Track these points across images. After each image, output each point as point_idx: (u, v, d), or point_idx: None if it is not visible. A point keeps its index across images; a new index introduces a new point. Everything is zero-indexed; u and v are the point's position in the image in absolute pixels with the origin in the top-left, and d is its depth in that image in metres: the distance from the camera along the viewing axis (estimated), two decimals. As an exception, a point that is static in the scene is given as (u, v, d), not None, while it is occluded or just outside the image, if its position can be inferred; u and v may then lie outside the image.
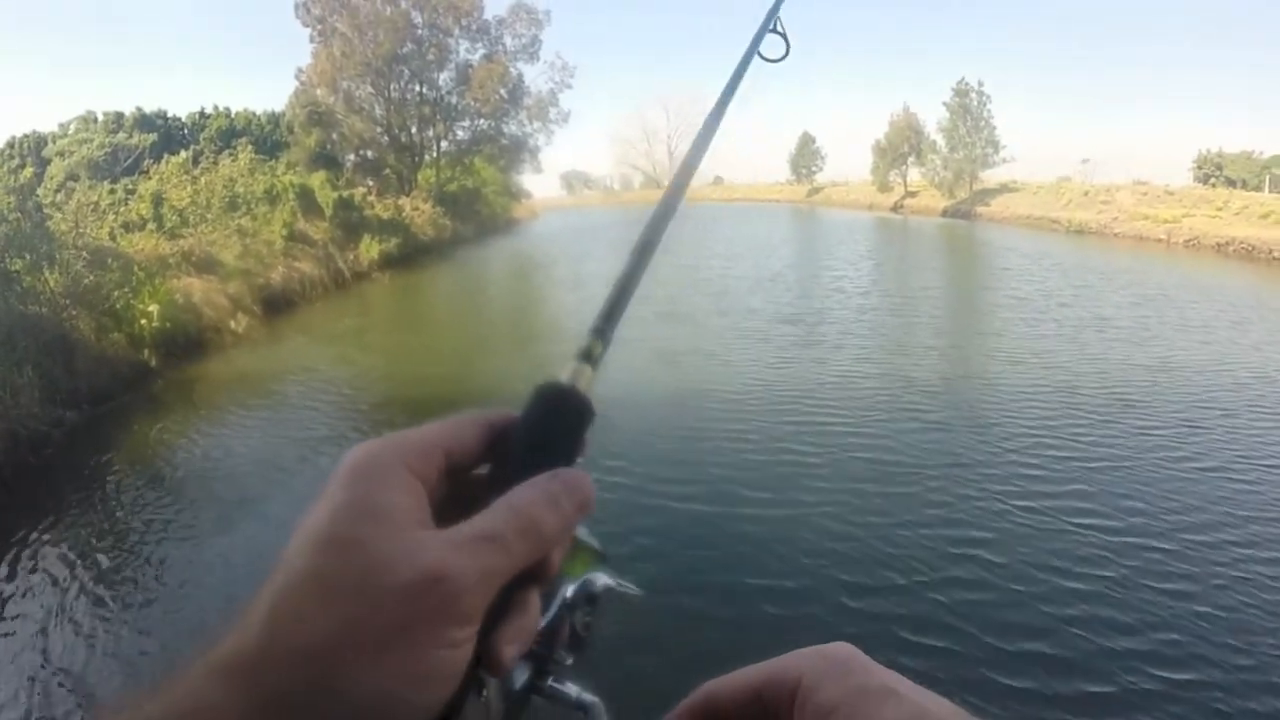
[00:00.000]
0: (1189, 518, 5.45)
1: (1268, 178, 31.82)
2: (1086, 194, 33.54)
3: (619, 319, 0.53)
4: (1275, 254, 20.61)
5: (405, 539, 0.38)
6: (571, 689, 0.48)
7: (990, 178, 42.65)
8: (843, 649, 0.46)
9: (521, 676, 0.46)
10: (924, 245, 28.62)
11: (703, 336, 12.36)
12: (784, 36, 0.99)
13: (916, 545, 5.15)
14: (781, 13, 1.00)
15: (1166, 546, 5.04)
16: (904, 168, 51.38)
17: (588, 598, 0.50)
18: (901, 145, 49.92)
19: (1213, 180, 36.28)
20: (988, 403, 8.40)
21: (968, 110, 42.10)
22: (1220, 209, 25.60)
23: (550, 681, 0.48)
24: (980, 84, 42.02)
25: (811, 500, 5.95)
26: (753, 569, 4.98)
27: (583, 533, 0.50)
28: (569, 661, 0.49)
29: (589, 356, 0.49)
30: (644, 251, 0.59)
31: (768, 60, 0.98)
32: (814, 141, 71.69)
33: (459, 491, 0.43)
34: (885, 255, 25.13)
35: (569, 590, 0.49)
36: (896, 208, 49.02)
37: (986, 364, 10.19)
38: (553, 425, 0.46)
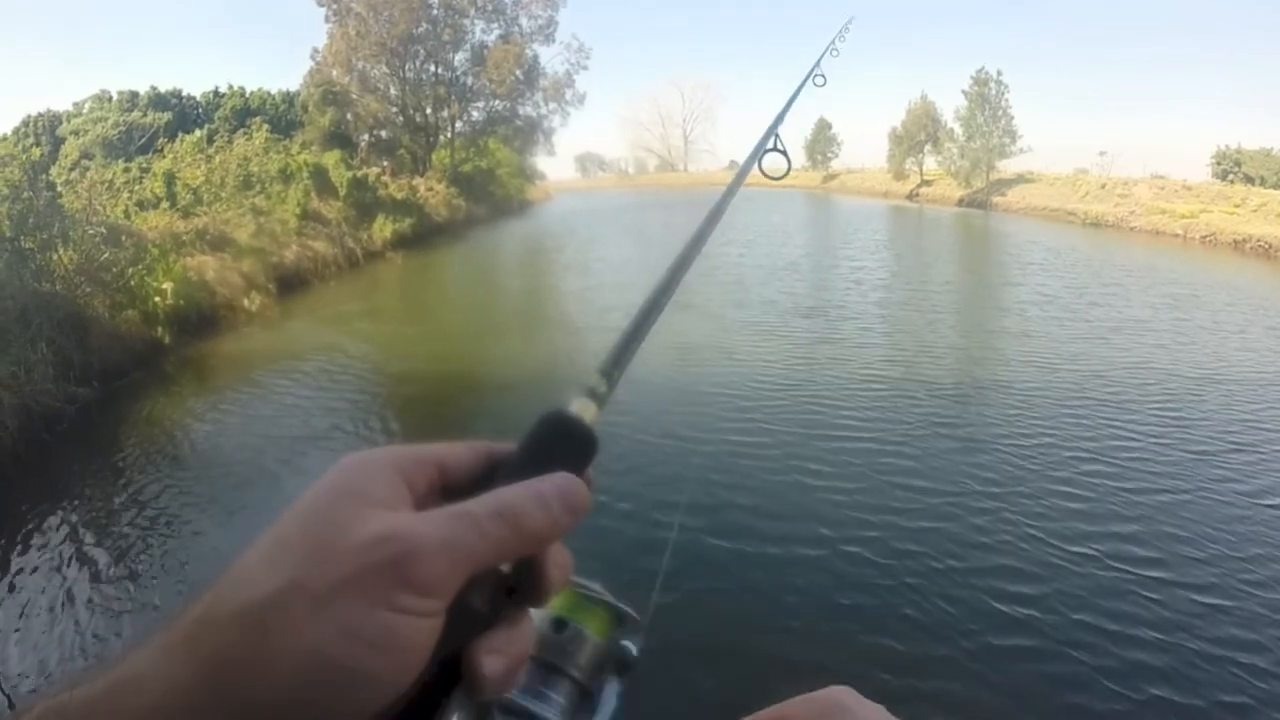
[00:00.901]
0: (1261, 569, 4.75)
1: (1287, 175, 31.51)
2: (1104, 187, 33.23)
3: (627, 363, 0.52)
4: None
5: (370, 510, 0.37)
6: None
7: (1007, 168, 42.25)
8: (836, 695, 0.46)
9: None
10: (943, 236, 28.31)
11: (716, 331, 11.75)
12: (784, 153, 1.14)
13: (940, 580, 4.69)
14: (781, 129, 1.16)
15: (1233, 604, 4.41)
16: (920, 156, 50.98)
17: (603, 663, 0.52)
18: (918, 133, 49.48)
19: (1231, 176, 35.82)
20: (1020, 414, 7.72)
21: (986, 99, 41.66)
22: (1238, 206, 25.30)
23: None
24: (999, 73, 41.62)
25: (830, 520, 5.48)
26: (765, 598, 4.68)
27: (608, 595, 0.52)
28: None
29: (595, 394, 0.48)
30: (656, 300, 0.58)
31: (769, 176, 1.12)
32: (830, 128, 71.18)
33: None
34: (904, 246, 24.61)
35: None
36: (912, 196, 48.67)
37: (1018, 369, 9.49)
38: (555, 453, 0.43)
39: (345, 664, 0.34)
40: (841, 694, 0.45)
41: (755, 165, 1.07)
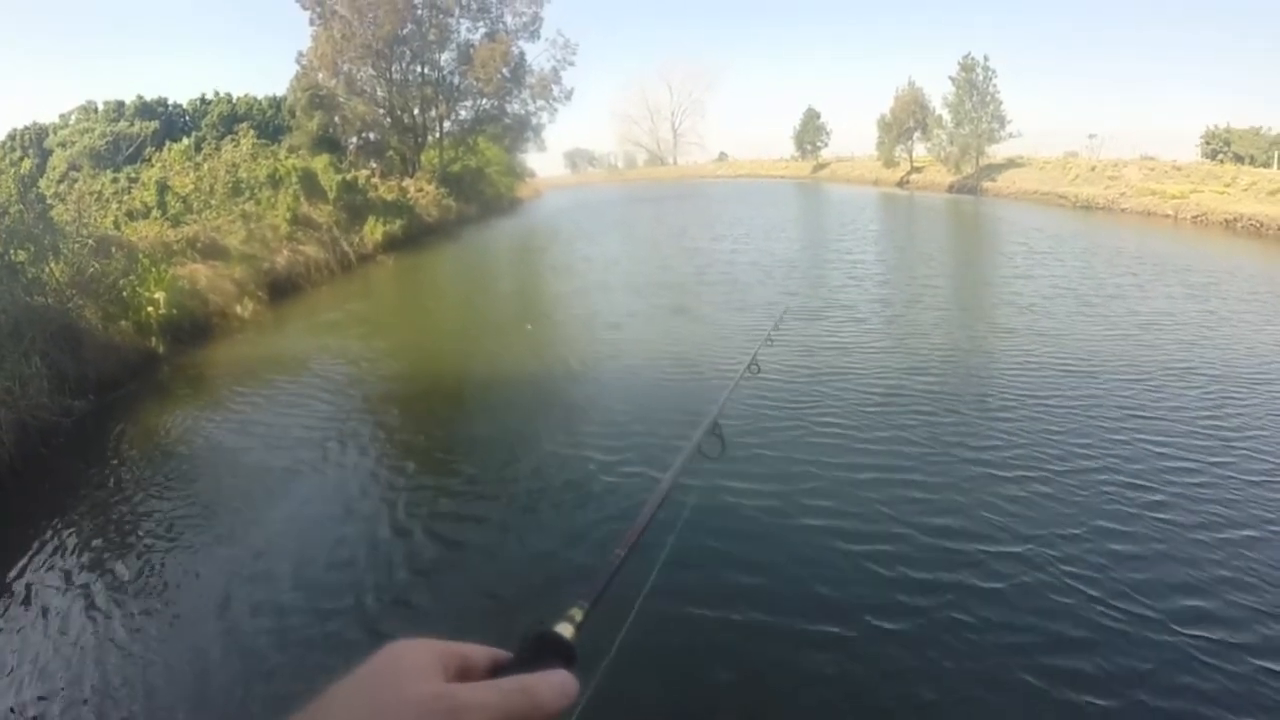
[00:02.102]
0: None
1: (1276, 154, 31.46)
2: (1093, 169, 33.28)
3: (602, 598, 0.76)
4: (1284, 230, 20.45)
5: (425, 678, 0.52)
6: None
7: (996, 153, 42.33)
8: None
9: None
10: (941, 224, 28.02)
11: (713, 339, 10.84)
12: (720, 438, 1.52)
13: (977, 633, 4.10)
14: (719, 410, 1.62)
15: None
16: (910, 143, 51.07)
17: None
18: (907, 120, 49.56)
19: (1221, 156, 35.91)
20: (1059, 432, 6.72)
21: (974, 85, 41.73)
22: (1228, 185, 25.34)
23: None
24: (986, 58, 41.64)
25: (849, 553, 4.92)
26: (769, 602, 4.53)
27: None
28: None
29: (573, 621, 0.69)
30: (627, 553, 0.88)
31: (707, 457, 1.47)
32: (819, 117, 71.24)
33: None
34: (903, 237, 23.93)
35: None
36: (902, 183, 48.78)
37: (1051, 375, 8.44)
38: (544, 661, 0.60)
39: None
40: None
41: (696, 451, 1.42)
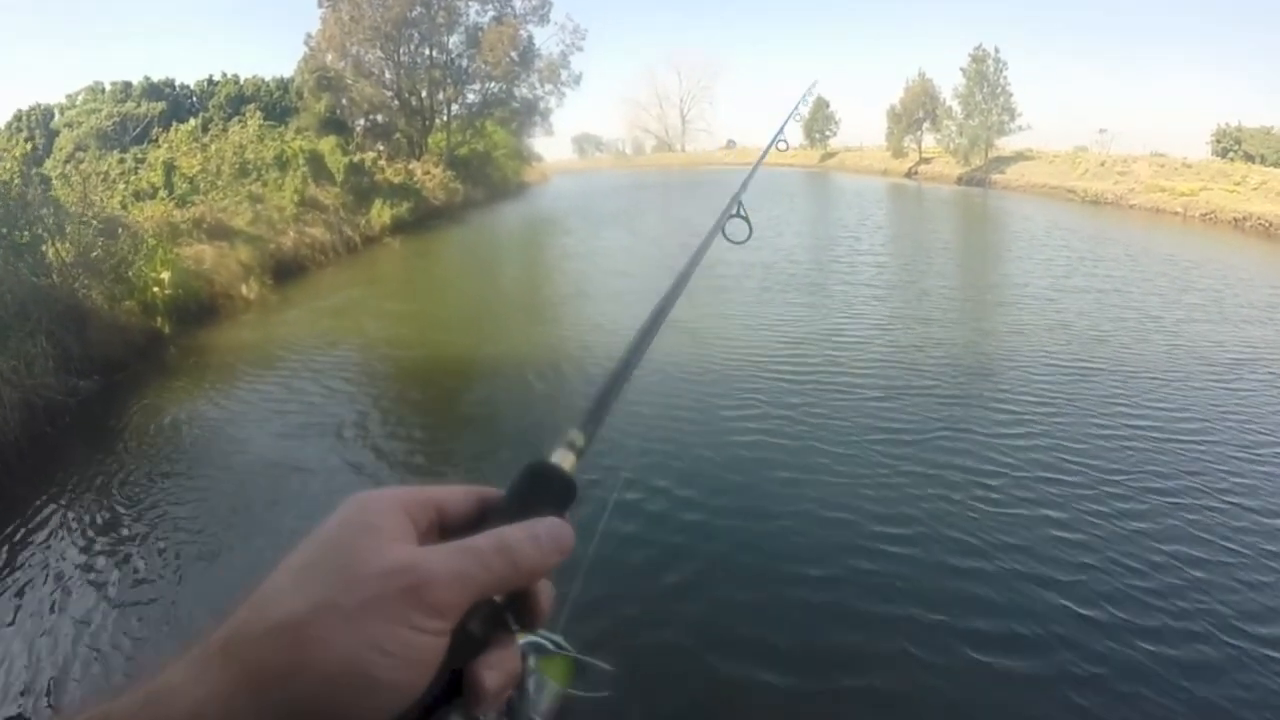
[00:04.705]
0: None
1: (1287, 153, 31.33)
2: (1103, 164, 33.11)
3: (604, 418, 0.59)
4: (1294, 231, 20.34)
5: (386, 543, 0.44)
6: None
7: (1006, 145, 42.14)
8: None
9: None
10: (956, 219, 27.58)
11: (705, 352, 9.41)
12: (746, 219, 1.36)
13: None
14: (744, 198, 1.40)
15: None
16: (919, 134, 50.84)
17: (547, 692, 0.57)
18: (916, 111, 49.33)
19: (1231, 154, 35.67)
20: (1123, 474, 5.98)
21: (984, 77, 41.50)
22: (1239, 183, 25.21)
23: None
24: (997, 50, 41.39)
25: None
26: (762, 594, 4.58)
27: (570, 649, 0.58)
28: None
29: (573, 447, 0.55)
30: (629, 360, 0.68)
31: (732, 241, 1.33)
32: (828, 106, 70.76)
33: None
34: (923, 235, 22.23)
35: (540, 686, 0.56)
36: (910, 174, 48.55)
37: (1107, 405, 7.50)
38: (540, 499, 0.50)
39: (370, 673, 0.40)
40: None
41: (719, 234, 1.28)
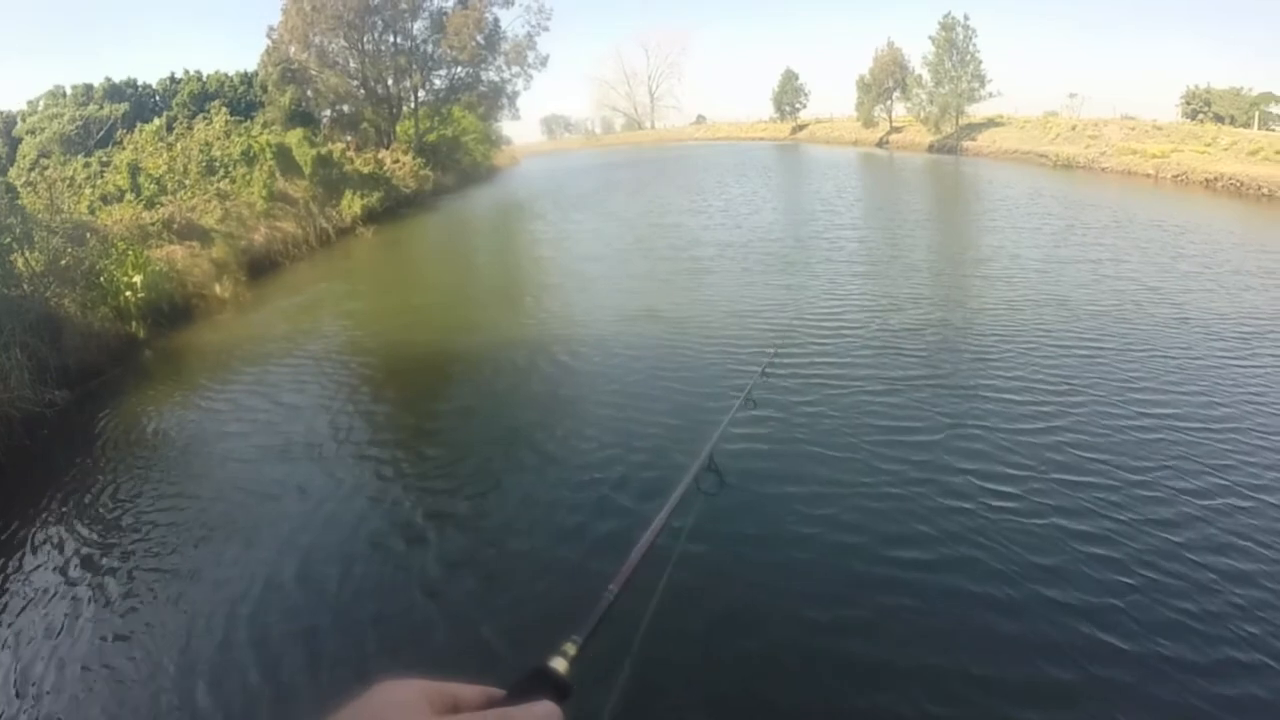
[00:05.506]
0: None
1: (1256, 114, 31.58)
2: (1074, 128, 33.28)
3: (595, 637, 0.79)
4: (1264, 190, 20.49)
5: (414, 715, 0.53)
6: None
7: (976, 112, 42.22)
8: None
9: None
10: (934, 187, 27.45)
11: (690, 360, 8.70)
12: (717, 472, 1.64)
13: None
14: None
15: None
16: (889, 103, 50.88)
17: None
18: (886, 80, 49.35)
19: (1201, 116, 35.97)
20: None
21: (953, 44, 41.47)
22: (1209, 145, 25.42)
23: None
24: (966, 17, 41.34)
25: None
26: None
27: None
28: None
29: (567, 656, 0.72)
30: (618, 593, 0.93)
31: (705, 494, 1.55)
32: (797, 78, 70.62)
33: None
34: (902, 206, 21.56)
35: None
36: (881, 143, 48.71)
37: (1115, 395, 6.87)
38: (540, 695, 0.60)
39: None
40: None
41: (687, 488, 1.62)
